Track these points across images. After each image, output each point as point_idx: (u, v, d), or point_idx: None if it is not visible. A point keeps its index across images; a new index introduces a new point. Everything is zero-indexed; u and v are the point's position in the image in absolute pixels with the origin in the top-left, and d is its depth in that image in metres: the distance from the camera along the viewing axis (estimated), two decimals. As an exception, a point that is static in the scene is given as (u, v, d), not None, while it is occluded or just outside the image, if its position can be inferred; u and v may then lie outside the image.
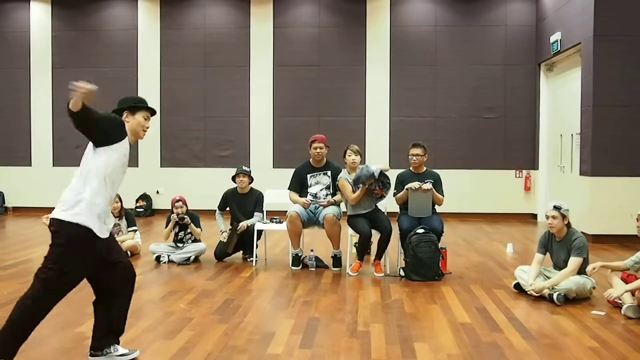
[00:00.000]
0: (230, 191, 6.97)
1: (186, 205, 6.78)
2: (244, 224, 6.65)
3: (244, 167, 6.93)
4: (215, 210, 7.02)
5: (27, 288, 3.31)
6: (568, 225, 5.17)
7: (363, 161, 6.50)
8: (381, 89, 11.24)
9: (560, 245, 5.20)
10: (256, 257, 6.68)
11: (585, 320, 4.54)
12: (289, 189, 6.67)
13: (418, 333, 4.21)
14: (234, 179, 6.88)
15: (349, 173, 6.33)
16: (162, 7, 11.54)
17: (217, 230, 6.96)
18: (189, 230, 6.80)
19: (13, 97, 11.80)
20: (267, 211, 6.87)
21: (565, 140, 9.87)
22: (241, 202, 6.86)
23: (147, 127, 3.64)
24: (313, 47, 11.32)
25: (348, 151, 6.39)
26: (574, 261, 5.03)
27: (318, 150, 6.51)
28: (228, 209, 6.97)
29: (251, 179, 6.90)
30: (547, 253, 5.33)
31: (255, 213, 6.80)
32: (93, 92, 3.13)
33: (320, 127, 10.91)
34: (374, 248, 6.30)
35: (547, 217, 5.18)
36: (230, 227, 6.74)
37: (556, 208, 5.11)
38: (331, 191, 6.56)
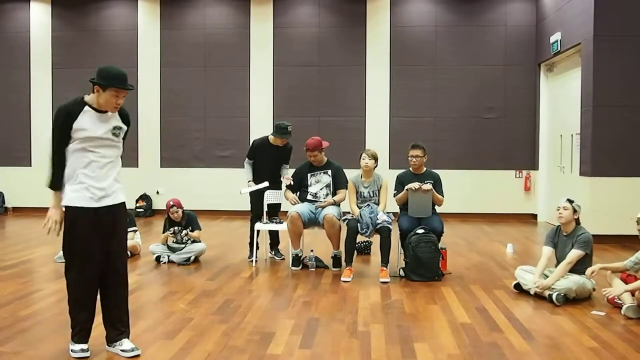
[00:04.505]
0: (260, 141, 6.91)
1: (181, 208, 6.77)
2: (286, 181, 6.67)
3: (289, 128, 6.70)
4: (245, 160, 6.93)
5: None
6: (577, 221, 5.24)
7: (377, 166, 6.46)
8: (381, 89, 11.23)
9: (566, 240, 5.22)
10: (256, 257, 6.68)
11: (585, 320, 4.55)
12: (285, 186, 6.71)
13: (418, 333, 4.21)
14: (274, 136, 6.72)
15: (361, 177, 6.37)
16: (162, 7, 11.54)
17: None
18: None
19: (13, 97, 11.80)
20: (267, 211, 6.87)
21: (565, 141, 9.86)
22: (273, 153, 6.80)
23: (119, 104, 3.61)
24: (313, 47, 11.32)
25: (363, 154, 6.40)
26: (574, 253, 5.05)
27: (312, 158, 6.54)
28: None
29: None
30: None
31: (284, 165, 6.88)
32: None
33: (320, 127, 10.91)
34: (374, 249, 6.28)
35: (558, 209, 5.23)
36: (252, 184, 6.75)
37: (569, 201, 5.21)
38: (331, 190, 6.56)
